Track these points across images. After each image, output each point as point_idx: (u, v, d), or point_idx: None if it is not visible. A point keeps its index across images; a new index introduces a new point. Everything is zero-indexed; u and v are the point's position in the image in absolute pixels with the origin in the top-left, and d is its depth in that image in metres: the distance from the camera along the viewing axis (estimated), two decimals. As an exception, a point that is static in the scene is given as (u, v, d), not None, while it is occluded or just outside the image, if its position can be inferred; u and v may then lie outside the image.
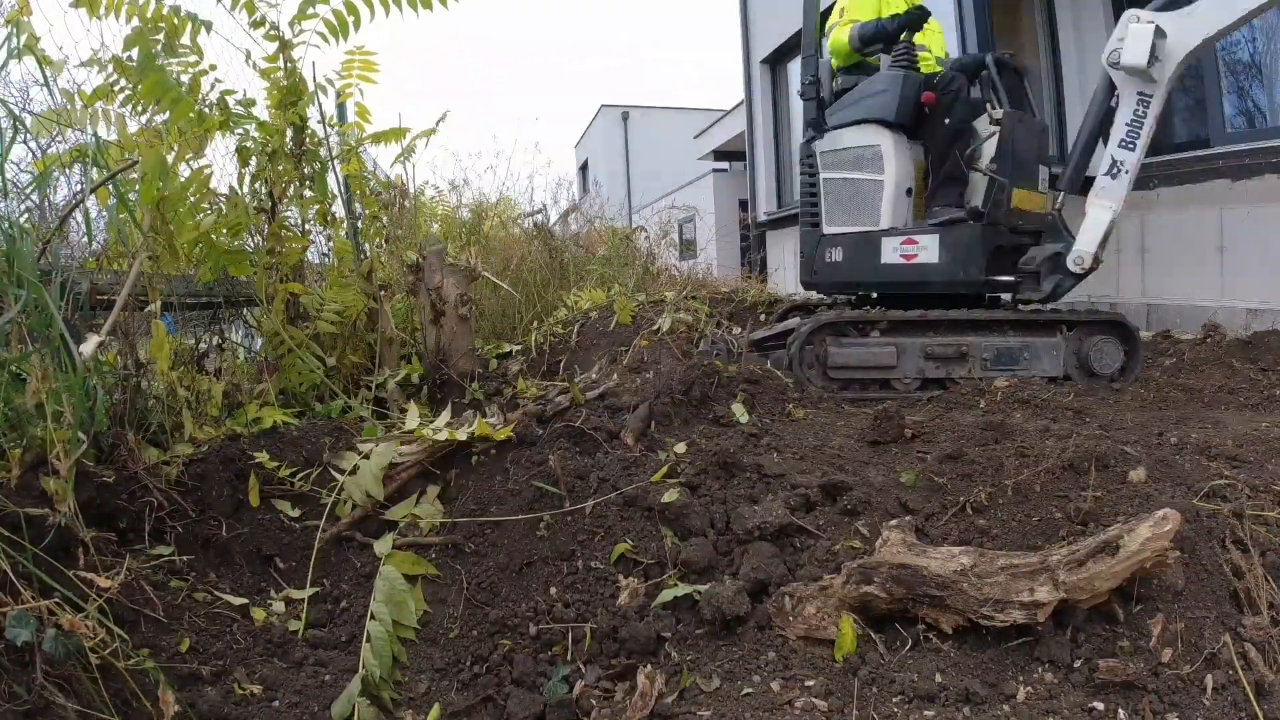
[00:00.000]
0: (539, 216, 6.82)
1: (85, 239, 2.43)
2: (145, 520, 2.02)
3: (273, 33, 3.11)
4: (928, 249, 3.73)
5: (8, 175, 1.93)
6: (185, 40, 2.74)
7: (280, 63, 3.15)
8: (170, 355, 2.11)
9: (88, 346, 1.78)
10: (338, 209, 3.67)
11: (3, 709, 1.37)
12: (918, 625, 1.61)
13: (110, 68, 2.61)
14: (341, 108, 3.84)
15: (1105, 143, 3.54)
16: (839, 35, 4.22)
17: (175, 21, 2.67)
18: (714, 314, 4.53)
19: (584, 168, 24.15)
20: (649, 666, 1.63)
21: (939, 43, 4.59)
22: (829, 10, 4.47)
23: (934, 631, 1.59)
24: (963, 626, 1.57)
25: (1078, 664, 1.50)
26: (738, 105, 10.47)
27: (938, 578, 1.57)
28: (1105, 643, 1.53)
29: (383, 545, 2.14)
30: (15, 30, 2.04)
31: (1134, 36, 3.24)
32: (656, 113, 22.74)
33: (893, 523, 1.81)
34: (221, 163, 3.55)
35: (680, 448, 2.39)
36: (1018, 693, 1.46)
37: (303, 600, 2.02)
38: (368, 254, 3.87)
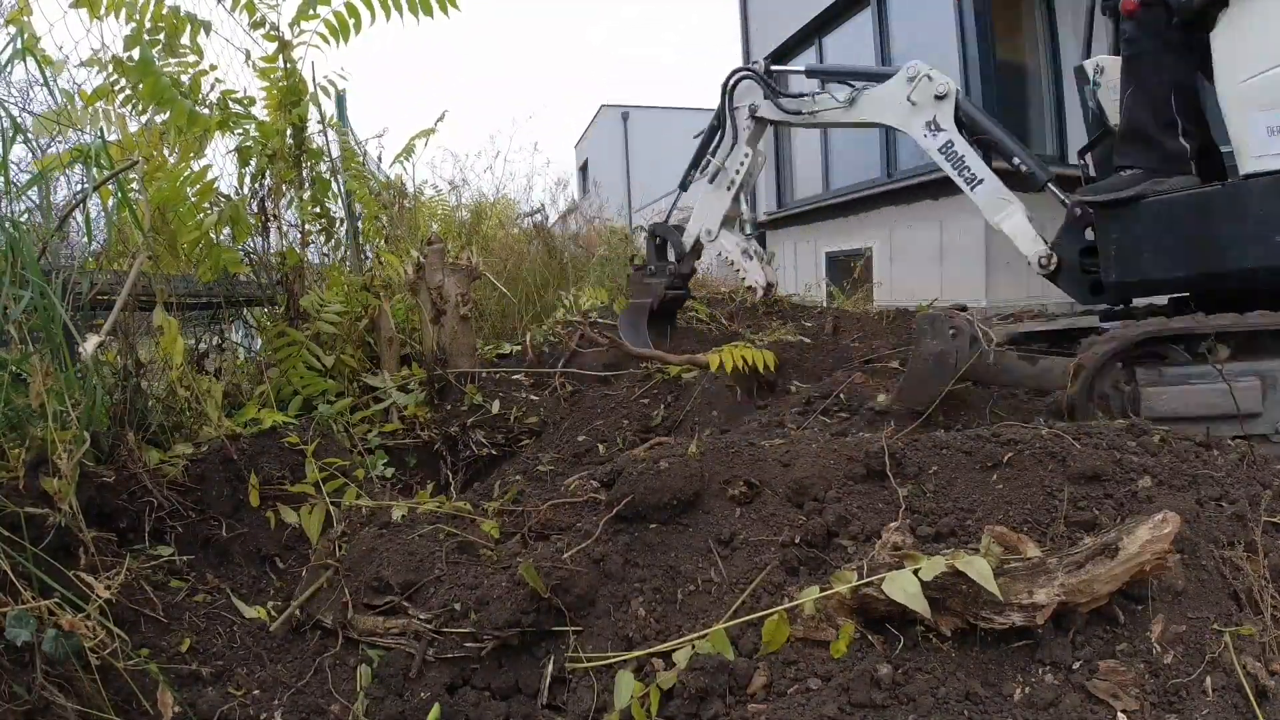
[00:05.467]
0: (538, 217, 6.83)
1: (85, 239, 2.43)
2: (145, 520, 2.03)
3: (272, 34, 3.11)
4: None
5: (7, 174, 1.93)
6: (185, 40, 2.75)
7: (280, 63, 3.16)
8: (184, 350, 2.11)
9: (88, 346, 1.78)
10: (338, 209, 3.67)
11: (3, 709, 1.37)
12: (916, 627, 1.61)
13: (111, 67, 2.61)
14: (341, 108, 3.84)
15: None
16: None
17: (175, 22, 2.67)
18: (714, 315, 4.53)
19: (584, 168, 24.13)
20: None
21: None
22: None
23: (933, 633, 1.59)
24: (961, 628, 1.57)
25: (1077, 666, 1.50)
26: (738, 105, 10.47)
27: (935, 579, 1.57)
28: (1105, 645, 1.53)
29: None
30: (17, 30, 2.05)
31: None
32: (656, 113, 22.72)
33: (892, 525, 1.81)
34: (221, 162, 3.55)
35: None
36: (1016, 694, 1.46)
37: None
38: (368, 255, 3.87)
